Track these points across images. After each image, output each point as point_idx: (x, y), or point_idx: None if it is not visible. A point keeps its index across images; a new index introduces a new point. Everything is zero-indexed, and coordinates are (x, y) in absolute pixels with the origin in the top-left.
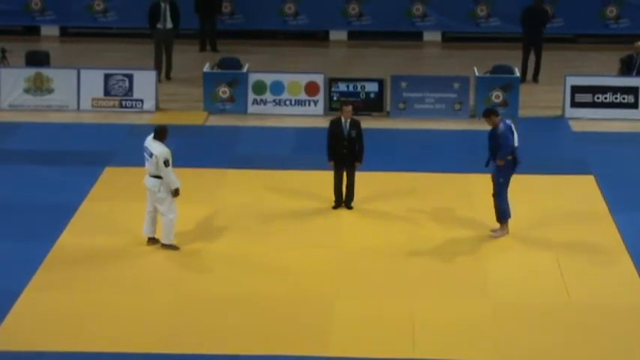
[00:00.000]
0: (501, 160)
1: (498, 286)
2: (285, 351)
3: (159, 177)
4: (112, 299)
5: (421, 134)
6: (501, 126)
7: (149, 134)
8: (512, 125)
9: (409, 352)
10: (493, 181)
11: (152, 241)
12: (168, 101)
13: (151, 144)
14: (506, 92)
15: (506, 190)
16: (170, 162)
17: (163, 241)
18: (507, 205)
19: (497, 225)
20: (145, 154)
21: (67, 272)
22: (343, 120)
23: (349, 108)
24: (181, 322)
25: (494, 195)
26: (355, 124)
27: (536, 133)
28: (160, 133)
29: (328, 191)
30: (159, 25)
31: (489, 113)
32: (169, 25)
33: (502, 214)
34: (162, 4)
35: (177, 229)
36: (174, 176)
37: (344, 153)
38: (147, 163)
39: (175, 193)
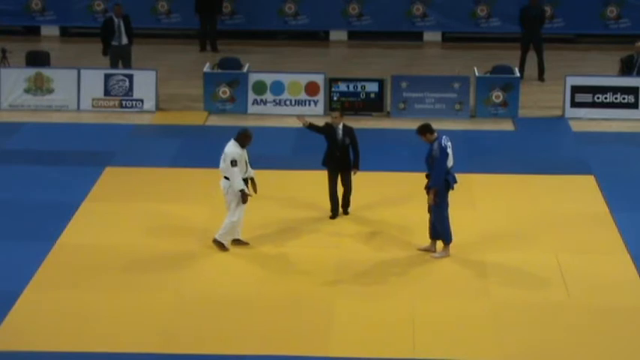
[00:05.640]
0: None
1: (498, 285)
2: (285, 351)
3: (229, 178)
4: (112, 299)
5: None
6: (436, 146)
7: (149, 134)
8: (449, 143)
9: (409, 352)
10: (429, 196)
11: (234, 242)
12: (168, 101)
13: (229, 144)
14: (506, 92)
15: (447, 211)
16: (237, 163)
17: (216, 235)
18: (448, 227)
19: (427, 241)
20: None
21: (67, 272)
22: (335, 126)
23: (336, 114)
24: (181, 322)
25: (430, 210)
26: (349, 132)
27: (536, 133)
28: (239, 135)
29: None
30: (114, 42)
31: (424, 130)
32: (125, 40)
33: (444, 234)
34: (116, 20)
35: (180, 230)
36: (240, 178)
37: (337, 156)
38: (221, 163)
39: (243, 198)
